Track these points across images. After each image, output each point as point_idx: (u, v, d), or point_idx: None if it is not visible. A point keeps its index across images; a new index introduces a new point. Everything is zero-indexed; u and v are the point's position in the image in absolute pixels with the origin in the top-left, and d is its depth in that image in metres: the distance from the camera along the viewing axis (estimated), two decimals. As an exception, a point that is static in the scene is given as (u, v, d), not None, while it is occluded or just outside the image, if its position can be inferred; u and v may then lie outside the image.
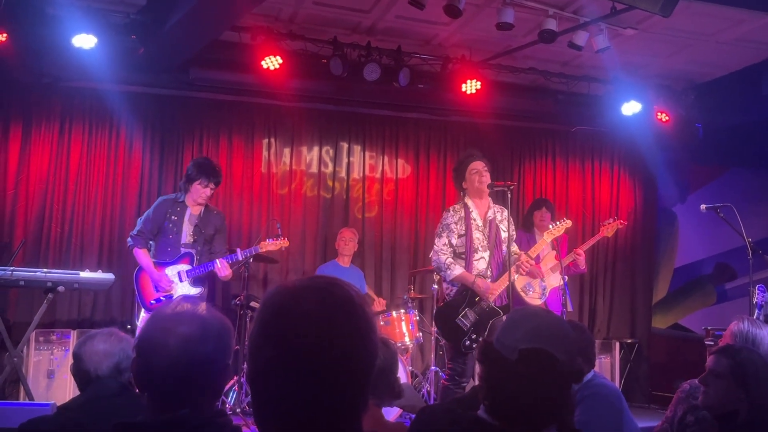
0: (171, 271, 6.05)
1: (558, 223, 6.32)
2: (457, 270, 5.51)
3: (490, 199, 5.80)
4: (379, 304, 7.67)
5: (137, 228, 6.15)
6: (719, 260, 8.89)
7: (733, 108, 8.33)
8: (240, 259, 6.22)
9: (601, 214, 9.29)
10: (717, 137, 8.72)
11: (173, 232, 6.10)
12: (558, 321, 2.00)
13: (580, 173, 9.52)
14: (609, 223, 7.22)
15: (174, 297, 5.85)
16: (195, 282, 6.12)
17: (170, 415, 1.80)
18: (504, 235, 5.72)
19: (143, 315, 6.01)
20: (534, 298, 6.88)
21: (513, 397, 1.86)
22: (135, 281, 6.12)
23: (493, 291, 5.52)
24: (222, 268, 6.04)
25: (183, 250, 6.10)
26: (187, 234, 6.14)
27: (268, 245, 6.37)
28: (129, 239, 6.17)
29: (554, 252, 6.99)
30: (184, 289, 6.04)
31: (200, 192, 6.11)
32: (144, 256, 6.06)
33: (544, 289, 6.91)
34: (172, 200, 6.21)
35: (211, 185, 6.15)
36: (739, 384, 3.00)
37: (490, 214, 5.75)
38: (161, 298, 5.96)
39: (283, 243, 6.45)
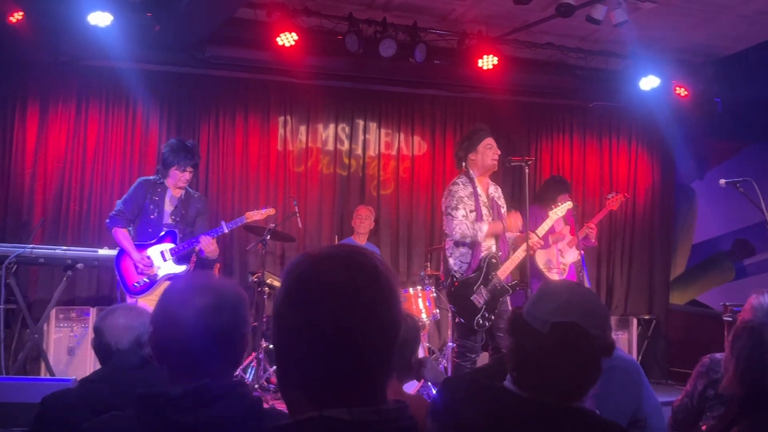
0: (153, 252, 5.81)
1: (560, 204, 6.35)
2: (485, 226, 5.51)
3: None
4: None
5: (117, 208, 5.87)
6: (738, 236, 8.82)
7: (753, 82, 8.21)
8: (225, 231, 5.98)
9: (619, 190, 9.22)
10: (736, 112, 8.60)
11: (154, 213, 5.85)
12: (590, 295, 1.98)
13: (597, 149, 9.46)
14: (613, 197, 7.30)
15: (158, 278, 5.77)
16: (179, 260, 5.87)
17: (192, 385, 1.81)
18: (503, 211, 5.82)
19: (128, 299, 5.77)
20: (555, 274, 6.91)
21: (543, 370, 1.86)
22: (116, 264, 5.84)
23: (521, 221, 5.64)
24: (206, 243, 5.81)
25: (165, 229, 5.87)
26: (168, 214, 5.91)
27: (254, 215, 6.18)
28: (107, 220, 5.92)
29: (568, 227, 7.01)
30: (168, 268, 5.80)
31: (179, 177, 5.85)
32: (124, 236, 5.80)
33: (564, 265, 6.96)
34: (152, 182, 5.94)
35: (189, 169, 5.87)
36: None
37: (491, 191, 5.77)
38: (144, 279, 5.77)
39: (269, 211, 6.29)
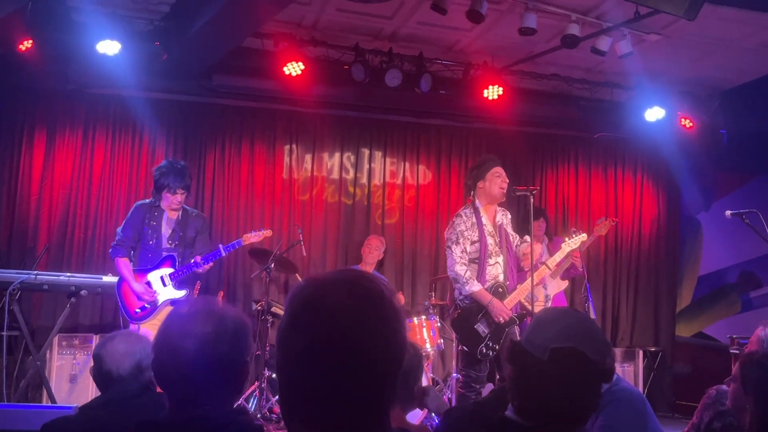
0: (153, 277, 5.82)
1: (575, 236, 6.17)
2: (476, 287, 5.40)
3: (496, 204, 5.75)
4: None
5: (117, 238, 5.89)
6: (744, 268, 8.78)
7: (758, 114, 8.23)
8: (222, 255, 5.95)
9: (624, 221, 9.23)
10: (742, 144, 8.62)
11: (153, 238, 5.85)
12: (588, 321, 1.98)
13: (602, 180, 9.45)
14: (602, 222, 7.06)
15: (159, 304, 5.78)
16: (179, 285, 5.86)
17: (191, 413, 1.80)
18: (512, 239, 5.75)
19: (131, 326, 5.78)
20: (537, 306, 6.77)
21: (544, 398, 1.85)
22: (117, 292, 5.85)
23: (505, 314, 5.42)
24: (201, 264, 5.84)
25: (164, 254, 5.87)
26: (166, 238, 5.89)
27: (251, 237, 6.17)
28: (110, 250, 5.95)
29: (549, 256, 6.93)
30: (168, 293, 5.82)
31: (170, 200, 5.83)
32: (125, 267, 5.81)
33: (547, 297, 6.81)
34: (148, 205, 5.94)
35: (179, 191, 5.82)
36: None
37: (498, 218, 5.72)
38: (145, 306, 5.77)
39: (266, 233, 6.26)
